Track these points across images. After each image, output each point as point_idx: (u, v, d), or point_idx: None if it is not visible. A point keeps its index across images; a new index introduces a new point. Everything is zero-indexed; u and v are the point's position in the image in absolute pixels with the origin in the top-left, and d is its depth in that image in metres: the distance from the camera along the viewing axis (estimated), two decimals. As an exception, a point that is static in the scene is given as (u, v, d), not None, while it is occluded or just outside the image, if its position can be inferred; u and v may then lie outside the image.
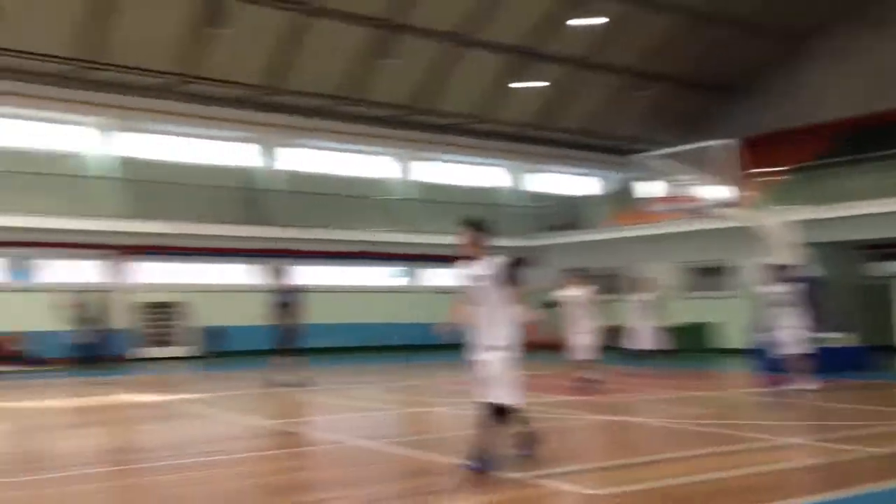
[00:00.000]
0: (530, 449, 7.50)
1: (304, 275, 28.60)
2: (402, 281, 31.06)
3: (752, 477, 6.95)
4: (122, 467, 8.32)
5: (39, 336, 23.21)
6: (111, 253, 25.44)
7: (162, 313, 25.80)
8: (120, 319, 25.21)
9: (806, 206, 23.22)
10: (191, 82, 26.72)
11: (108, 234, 24.95)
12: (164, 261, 26.69)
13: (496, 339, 7.16)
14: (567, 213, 32.86)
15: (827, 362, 14.34)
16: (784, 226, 18.45)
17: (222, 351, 25.18)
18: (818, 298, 14.62)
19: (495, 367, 7.11)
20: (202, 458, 8.41)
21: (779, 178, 26.39)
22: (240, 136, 29.30)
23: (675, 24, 30.80)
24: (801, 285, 13.84)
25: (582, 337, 13.94)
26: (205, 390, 16.83)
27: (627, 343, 17.58)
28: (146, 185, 25.67)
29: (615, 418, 11.00)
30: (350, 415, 12.24)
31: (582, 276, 14.34)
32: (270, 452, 9.22)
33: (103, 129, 26.77)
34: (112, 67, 25.21)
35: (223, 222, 26.51)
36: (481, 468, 7.00)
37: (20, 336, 23.07)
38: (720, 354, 24.73)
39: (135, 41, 24.62)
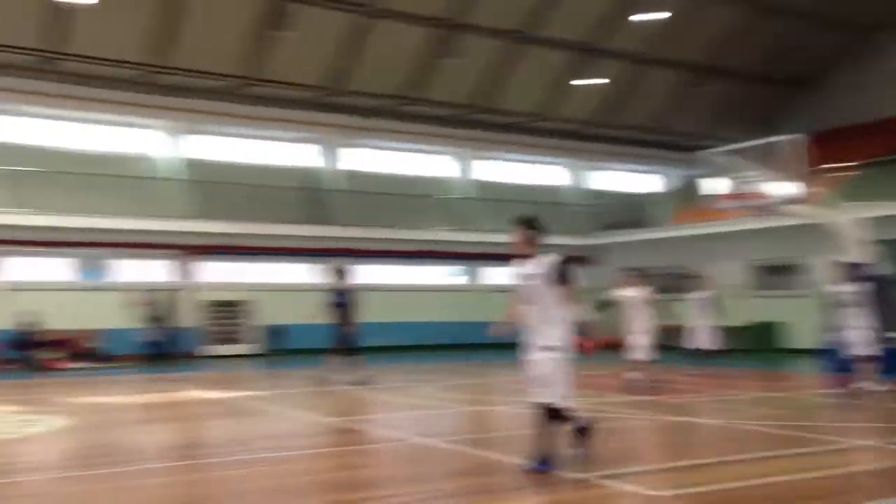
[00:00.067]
0: (583, 447, 7.40)
1: (365, 274, 29.01)
2: (462, 280, 31.11)
3: (819, 480, 6.81)
4: (189, 462, 8.50)
5: (112, 334, 23.88)
6: (179, 253, 26.02)
7: (227, 312, 26.27)
8: (187, 318, 25.77)
9: (876, 203, 22.53)
10: (254, 85, 27.14)
11: (175, 235, 25.52)
12: (229, 260, 27.20)
13: (548, 339, 7.09)
14: (629, 211, 32.50)
15: (897, 363, 13.91)
16: (854, 223, 17.94)
17: (284, 349, 25.56)
18: (889, 297, 14.18)
19: (547, 367, 7.05)
20: (265, 455, 8.55)
21: (848, 173, 25.72)
22: (302, 137, 29.67)
23: (740, 17, 30.20)
24: (870, 284, 13.47)
25: (638, 337, 13.75)
26: (268, 387, 17.14)
27: (687, 343, 17.29)
28: (212, 187, 26.18)
29: (678, 419, 10.84)
30: (410, 413, 12.30)
31: (638, 275, 14.12)
32: (331, 449, 9.32)
33: (171, 131, 27.39)
34: (179, 72, 25.76)
35: (286, 222, 26.88)
36: (542, 468, 6.98)
37: (93, 333, 23.78)
38: (789, 355, 24.20)
39: (201, 46, 25.10)
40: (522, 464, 7.14)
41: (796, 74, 33.32)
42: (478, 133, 31.71)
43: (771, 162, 19.66)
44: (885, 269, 16.55)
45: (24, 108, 25.11)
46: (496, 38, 28.65)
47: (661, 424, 10.50)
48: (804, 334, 23.50)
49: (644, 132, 34.07)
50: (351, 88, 28.22)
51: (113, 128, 26.80)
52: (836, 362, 13.93)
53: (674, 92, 32.96)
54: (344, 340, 15.36)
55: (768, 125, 30.01)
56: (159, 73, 25.66)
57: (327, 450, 9.30)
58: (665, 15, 28.69)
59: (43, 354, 22.13)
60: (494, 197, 30.79)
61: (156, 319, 24.53)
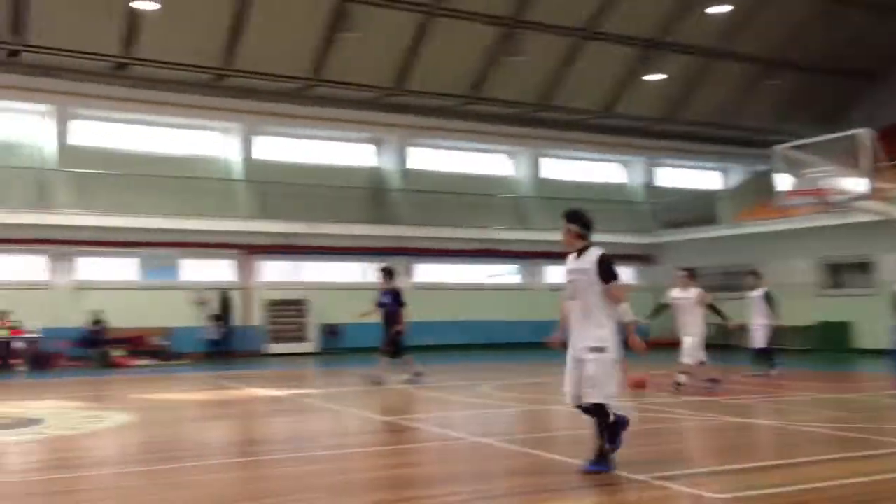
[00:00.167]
0: (613, 444, 7.06)
1: (425, 273, 29.13)
2: (517, 278, 30.96)
3: (883, 483, 6.57)
4: (248, 459, 8.61)
5: (177, 332, 24.38)
6: (241, 252, 26.43)
7: (287, 310, 26.57)
8: (248, 316, 26.16)
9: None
10: (318, 85, 27.38)
11: (238, 234, 25.92)
12: (290, 259, 27.58)
13: (595, 339, 6.92)
14: (694, 208, 31.94)
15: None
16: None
17: (340, 348, 25.76)
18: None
19: (595, 368, 6.89)
20: (323, 452, 8.62)
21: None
22: (364, 137, 29.88)
23: (808, 8, 29.40)
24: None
25: (688, 339, 13.42)
26: (325, 385, 17.29)
27: (748, 342, 16.83)
28: (274, 187, 26.51)
29: (734, 419, 10.59)
30: (466, 412, 12.25)
31: (688, 275, 13.73)
32: (388, 447, 9.33)
33: (235, 133, 27.82)
34: (244, 74, 26.14)
35: (347, 222, 27.08)
36: (599, 468, 6.87)
37: (159, 331, 24.30)
38: (860, 355, 23.52)
39: (265, 48, 25.40)
40: (579, 464, 7.03)
41: (866, 67, 32.34)
42: (540, 131, 31.52)
43: (839, 157, 19.15)
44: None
45: (95, 112, 25.79)
46: (559, 35, 28.39)
47: (717, 425, 10.26)
48: (875, 334, 22.79)
49: (709, 128, 33.45)
50: (413, 88, 28.26)
51: (178, 130, 27.35)
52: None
53: (740, 86, 32.27)
54: (392, 340, 15.37)
55: (836, 119, 29.21)
56: (224, 76, 26.08)
57: (384, 448, 9.32)
58: (728, 8, 28.08)
59: (111, 352, 22.70)
60: (557, 195, 30.55)
61: (218, 318, 25.01)
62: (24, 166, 24.09)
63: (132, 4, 23.04)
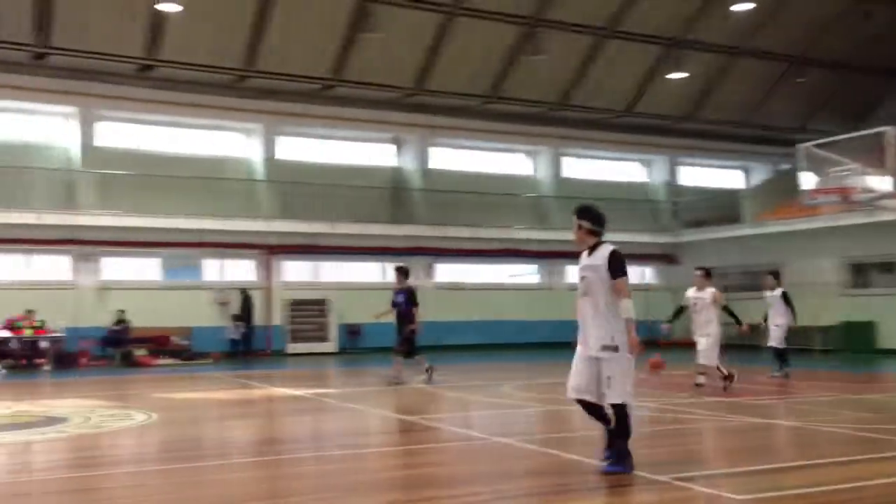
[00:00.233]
0: (615, 448, 6.99)
1: (445, 273, 29.13)
2: (536, 278, 30.88)
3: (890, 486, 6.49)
4: (269, 458, 8.62)
5: (198, 331, 24.54)
6: (263, 252, 26.54)
7: (308, 310, 26.65)
8: (270, 316, 26.27)
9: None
10: (338, 86, 27.44)
11: (259, 234, 26.04)
12: (312, 259, 27.68)
13: (606, 338, 6.86)
14: (717, 207, 31.72)
15: None
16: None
17: (360, 347, 25.81)
18: None
19: (610, 366, 6.85)
20: (344, 451, 8.64)
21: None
22: (385, 137, 29.92)
23: (834, 6, 29.09)
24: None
25: (703, 339, 13.28)
26: (346, 385, 17.34)
27: (767, 342, 16.67)
28: (295, 187, 26.59)
29: (758, 420, 10.49)
30: (487, 411, 12.25)
31: (704, 274, 13.60)
32: (408, 447, 9.33)
33: (256, 133, 27.94)
34: (265, 75, 26.25)
35: (368, 221, 27.13)
36: (619, 469, 6.84)
37: (181, 331, 24.46)
38: (885, 355, 23.28)
39: (287, 49, 25.50)
40: (599, 464, 7.00)
41: (892, 64, 31.96)
42: (561, 130, 31.43)
43: (865, 155, 18.94)
44: None
45: (120, 113, 25.99)
46: (580, 34, 28.28)
47: (738, 426, 10.16)
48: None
49: (732, 126, 33.21)
50: (434, 88, 28.27)
51: (200, 131, 27.52)
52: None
53: (763, 84, 32.00)
54: (406, 340, 15.39)
55: (862, 117, 28.93)
56: (246, 76, 26.19)
57: (404, 447, 9.32)
58: (751, 6, 27.83)
59: (134, 351, 22.87)
60: (577, 195, 30.43)
61: (239, 318, 25.14)
62: (49, 168, 24.33)
63: (156, 6, 23.19)
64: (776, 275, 17.05)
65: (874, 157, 18.97)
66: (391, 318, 15.64)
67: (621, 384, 6.87)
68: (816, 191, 21.07)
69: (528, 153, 32.36)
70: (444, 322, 27.48)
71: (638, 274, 31.94)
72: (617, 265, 6.94)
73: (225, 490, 6.92)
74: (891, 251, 24.73)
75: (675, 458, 7.54)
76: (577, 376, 7.05)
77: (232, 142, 28.04)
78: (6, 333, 21.38)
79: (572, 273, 29.62)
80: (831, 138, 20.29)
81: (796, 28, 29.57)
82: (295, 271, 27.49)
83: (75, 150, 25.32)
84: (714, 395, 12.56)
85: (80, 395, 14.51)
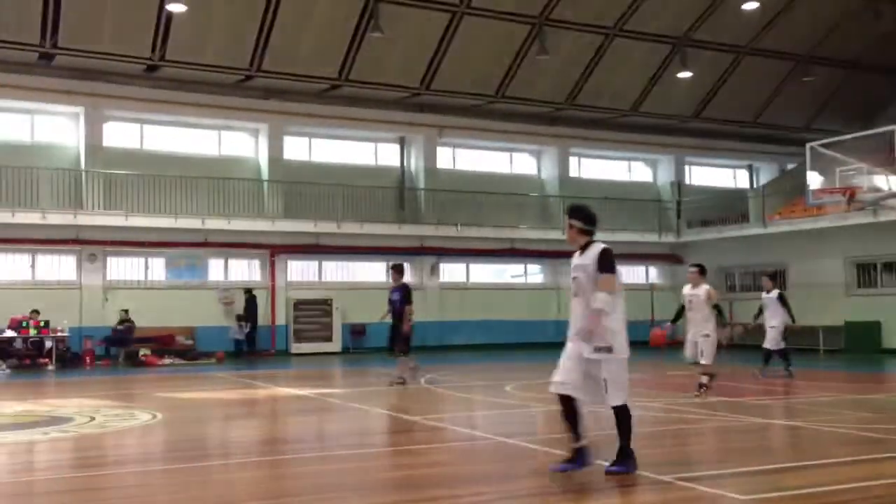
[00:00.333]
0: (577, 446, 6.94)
1: (453, 272, 29.12)
2: (539, 278, 30.85)
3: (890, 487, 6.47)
4: (274, 457, 8.63)
5: (203, 331, 24.59)
6: (267, 252, 26.56)
7: (313, 310, 26.66)
8: (275, 316, 26.28)
9: None
10: (344, 85, 27.43)
11: (264, 234, 26.05)
12: (317, 259, 27.69)
13: (600, 339, 6.80)
14: (723, 207, 31.65)
15: None
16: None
17: (368, 347, 25.82)
18: None
19: (607, 368, 6.80)
20: (346, 451, 8.64)
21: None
22: (391, 137, 29.90)
23: (842, 5, 28.98)
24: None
25: (700, 338, 13.19)
26: (350, 385, 17.34)
27: (765, 343, 16.60)
28: (300, 187, 26.61)
29: (761, 420, 10.48)
30: (491, 411, 12.24)
31: (698, 272, 13.50)
32: (413, 447, 9.31)
33: (261, 133, 27.94)
34: (271, 75, 26.24)
35: (376, 221, 27.13)
36: (621, 469, 6.82)
37: (186, 331, 24.51)
38: (891, 355, 23.21)
39: (293, 49, 25.50)
40: (604, 465, 6.98)
41: (900, 64, 31.87)
42: (567, 130, 31.39)
43: (873, 154, 18.89)
44: None
45: (126, 113, 26.03)
46: (587, 33, 28.23)
47: (741, 426, 10.15)
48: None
49: (738, 126, 33.13)
50: (440, 88, 28.24)
51: (206, 131, 27.53)
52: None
53: (770, 83, 31.90)
54: (405, 339, 15.38)
55: (870, 116, 28.82)
56: (252, 76, 26.21)
57: (408, 447, 9.31)
58: (757, 5, 27.73)
59: (138, 351, 22.90)
60: (584, 194, 30.39)
61: (243, 318, 25.17)
62: (55, 168, 24.38)
63: (163, 6, 23.21)
64: (774, 277, 17.06)
65: (881, 156, 18.92)
66: (388, 317, 15.67)
67: (619, 385, 6.85)
68: (821, 190, 21.04)
69: (534, 153, 32.33)
70: (450, 321, 27.51)
71: (643, 273, 31.91)
72: (605, 262, 6.88)
73: (229, 490, 6.93)
74: (894, 251, 24.64)
75: (678, 459, 7.53)
76: (566, 373, 6.94)
77: (238, 142, 28.06)
78: (11, 333, 21.44)
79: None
80: (838, 138, 20.26)
81: (803, 27, 29.47)
82: (299, 271, 27.52)
83: (81, 150, 25.36)
84: (718, 395, 12.52)
85: (85, 395, 14.53)
